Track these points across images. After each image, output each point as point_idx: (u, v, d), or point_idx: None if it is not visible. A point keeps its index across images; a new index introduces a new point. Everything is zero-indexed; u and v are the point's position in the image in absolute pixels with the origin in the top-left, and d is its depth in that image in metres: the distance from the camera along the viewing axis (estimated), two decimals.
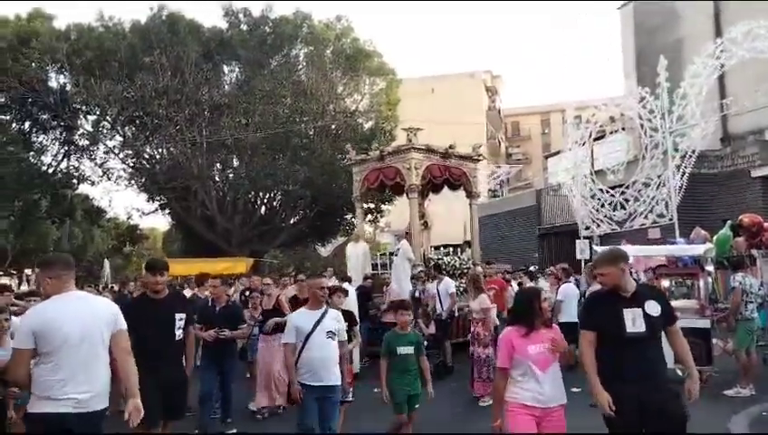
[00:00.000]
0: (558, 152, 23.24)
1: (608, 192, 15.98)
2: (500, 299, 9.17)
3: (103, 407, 3.08)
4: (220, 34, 20.42)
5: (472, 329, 7.04)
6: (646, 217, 14.61)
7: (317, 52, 20.52)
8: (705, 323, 6.36)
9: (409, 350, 4.57)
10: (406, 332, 4.68)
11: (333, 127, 20.61)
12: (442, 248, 14.26)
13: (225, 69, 21.51)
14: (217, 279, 6.43)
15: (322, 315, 4.17)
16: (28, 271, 32.27)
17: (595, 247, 12.74)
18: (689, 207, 14.83)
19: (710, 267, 6.86)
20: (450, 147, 11.63)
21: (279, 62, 20.54)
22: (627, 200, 15.18)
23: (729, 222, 7.67)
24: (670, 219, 13.76)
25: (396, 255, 10.29)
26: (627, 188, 15.27)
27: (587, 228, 16.52)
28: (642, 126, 14.87)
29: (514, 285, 11.63)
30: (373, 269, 12.20)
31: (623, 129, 18.51)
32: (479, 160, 12.55)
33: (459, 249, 13.22)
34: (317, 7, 58.30)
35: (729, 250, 7.17)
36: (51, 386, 2.92)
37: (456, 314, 8.68)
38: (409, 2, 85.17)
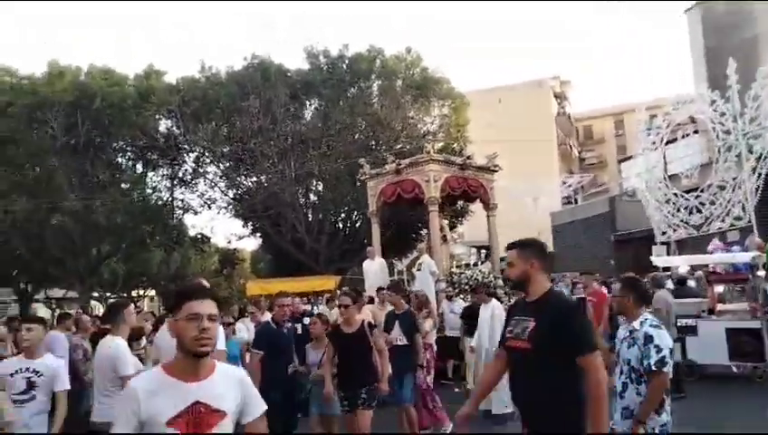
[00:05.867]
0: (631, 157, 23.20)
1: (682, 196, 16.05)
2: (599, 314, 8.00)
3: None
4: (304, 76, 22.74)
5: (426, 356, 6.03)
6: (723, 220, 14.63)
7: (389, 84, 22.22)
8: (756, 324, 7.04)
9: None
10: None
11: (406, 149, 22.13)
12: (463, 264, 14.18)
13: (307, 104, 23.88)
14: (288, 298, 5.56)
15: None
16: (134, 293, 36.34)
17: (669, 257, 13.05)
18: None
19: (761, 273, 7.48)
20: (468, 157, 11.73)
21: (355, 95, 22.49)
22: (702, 204, 15.23)
23: None
24: (748, 222, 13.79)
25: (420, 270, 9.97)
26: (702, 191, 15.33)
27: (663, 233, 16.61)
28: (714, 129, 14.97)
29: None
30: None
31: (696, 132, 18.39)
32: (495, 171, 12.40)
33: (480, 262, 13.08)
34: (382, 33, 60.26)
35: None
36: None
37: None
38: (470, 11, 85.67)
